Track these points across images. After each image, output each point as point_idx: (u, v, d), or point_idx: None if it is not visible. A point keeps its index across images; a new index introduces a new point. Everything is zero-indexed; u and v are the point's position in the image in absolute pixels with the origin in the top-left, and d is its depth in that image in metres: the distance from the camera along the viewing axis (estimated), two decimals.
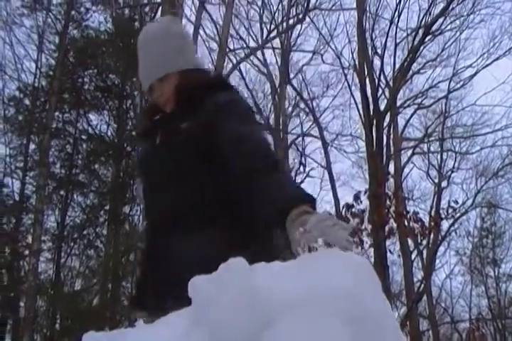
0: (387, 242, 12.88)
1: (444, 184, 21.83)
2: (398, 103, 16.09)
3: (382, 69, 15.23)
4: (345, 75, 16.64)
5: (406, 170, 20.42)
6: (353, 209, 12.44)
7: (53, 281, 16.36)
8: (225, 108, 2.13)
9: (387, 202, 12.57)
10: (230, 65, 14.45)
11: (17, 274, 15.93)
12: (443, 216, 14.91)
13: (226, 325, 1.41)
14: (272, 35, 15.25)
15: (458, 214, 17.46)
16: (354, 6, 15.37)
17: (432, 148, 21.47)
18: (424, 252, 19.86)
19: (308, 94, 18.08)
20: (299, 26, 16.34)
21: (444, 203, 19.59)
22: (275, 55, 17.33)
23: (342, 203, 13.44)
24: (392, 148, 16.14)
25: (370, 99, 14.25)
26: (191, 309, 1.52)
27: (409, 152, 20.06)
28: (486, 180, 22.34)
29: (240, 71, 16.09)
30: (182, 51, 2.34)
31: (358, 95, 15.16)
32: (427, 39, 15.21)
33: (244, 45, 16.15)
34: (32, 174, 17.06)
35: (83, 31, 17.71)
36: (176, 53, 2.31)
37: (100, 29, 17.70)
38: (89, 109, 17.74)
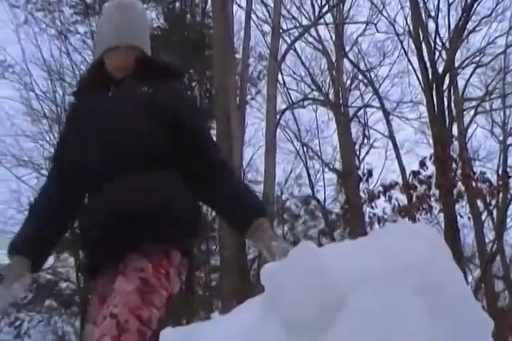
0: (456, 206, 12.60)
1: (509, 141, 21.14)
2: (456, 64, 15.68)
3: (437, 32, 15.06)
4: (401, 42, 16.49)
5: (469, 130, 19.91)
6: (420, 176, 12.45)
7: None
8: (193, 104, 2.64)
9: (453, 165, 12.37)
10: (285, 46, 14.30)
11: None
12: (511, 174, 14.51)
13: (299, 310, 1.43)
14: (323, 10, 15.03)
15: None
16: None
17: (494, 106, 20.80)
18: (494, 212, 19.26)
19: (365, 65, 17.94)
20: None
21: (511, 161, 19.32)
22: (329, 30, 17.14)
23: (408, 171, 13.45)
24: (454, 110, 15.77)
25: (428, 63, 13.99)
26: (265, 296, 1.55)
27: (472, 112, 19.61)
28: None
29: (295, 50, 15.93)
30: (148, 34, 2.80)
31: (415, 60, 15.00)
32: None
33: (297, 24, 16.01)
34: None
35: None
36: (147, 33, 2.75)
37: (153, 25, 17.84)
38: None
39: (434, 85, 13.70)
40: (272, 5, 14.00)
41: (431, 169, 12.47)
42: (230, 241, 11.19)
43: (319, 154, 18.16)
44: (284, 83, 16.17)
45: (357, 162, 16.00)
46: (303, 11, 16.64)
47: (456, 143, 15.76)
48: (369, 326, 1.39)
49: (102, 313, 2.06)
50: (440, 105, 13.61)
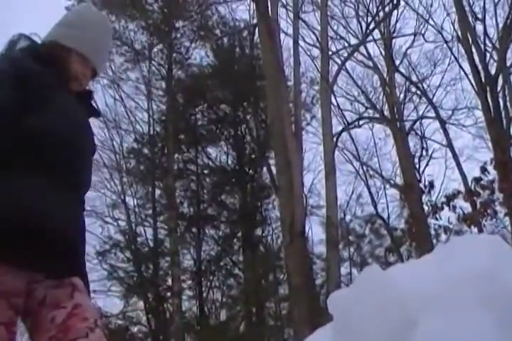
0: None
1: None
2: (508, 63, 15.28)
3: (485, 33, 14.78)
4: (450, 49, 16.27)
5: None
6: (482, 182, 12.41)
7: (198, 317, 16.64)
8: None
9: None
10: (335, 67, 14.29)
11: (163, 317, 16.26)
12: None
13: (370, 333, 1.42)
14: (370, 27, 15.01)
15: None
16: None
17: None
18: None
19: (417, 76, 17.70)
20: (395, 12, 16.14)
21: None
22: (378, 46, 17.10)
23: (470, 178, 13.20)
24: (510, 111, 15.35)
25: (480, 66, 13.70)
26: (334, 324, 1.58)
27: None
28: None
29: (346, 70, 15.92)
30: None
31: (466, 66, 14.73)
32: None
33: (346, 44, 16.04)
34: (162, 218, 17.24)
35: (187, 70, 18.33)
36: None
37: (203, 64, 18.23)
38: (207, 144, 18.19)
39: (488, 88, 13.47)
40: (319, 28, 14.10)
41: (492, 173, 12.40)
42: (298, 269, 11.04)
43: (379, 171, 17.97)
44: (338, 105, 16.19)
45: (417, 175, 15.72)
46: (350, 30, 16.77)
47: None
48: None
49: (81, 325, 1.97)
50: (496, 107, 13.35)
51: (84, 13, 2.48)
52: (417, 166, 16.51)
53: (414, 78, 17.21)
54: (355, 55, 15.51)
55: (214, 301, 17.38)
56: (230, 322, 17.35)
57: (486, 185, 12.35)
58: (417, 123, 17.12)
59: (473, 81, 14.15)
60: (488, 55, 14.54)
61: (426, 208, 13.39)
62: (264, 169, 17.50)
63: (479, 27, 14.88)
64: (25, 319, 1.99)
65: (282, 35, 13.91)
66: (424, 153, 17.07)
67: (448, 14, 16.01)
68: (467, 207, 12.62)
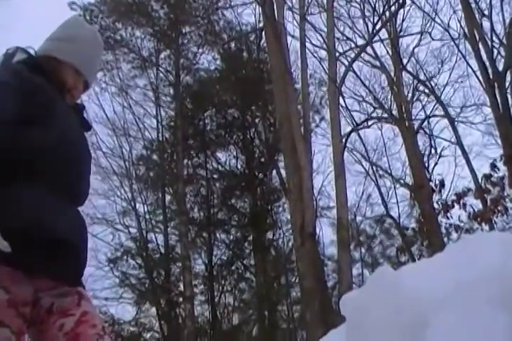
0: None
1: None
2: None
3: (492, 29, 14.69)
4: (457, 46, 16.22)
5: None
6: (492, 179, 12.29)
7: (211, 322, 16.61)
8: None
9: None
10: (343, 68, 14.27)
11: (175, 323, 16.24)
12: None
13: (383, 333, 1.42)
14: (377, 27, 14.98)
15: None
16: None
17: None
18: None
19: (425, 74, 17.67)
20: (401, 11, 16.14)
21: None
22: (384, 46, 17.09)
23: (480, 175, 13.01)
24: None
25: (487, 63, 13.67)
26: (347, 326, 1.57)
27: None
28: None
29: (354, 71, 15.91)
30: None
31: (474, 62, 14.69)
32: None
33: (353, 45, 16.02)
34: (173, 224, 17.27)
35: (195, 75, 18.36)
36: None
37: (210, 68, 18.23)
38: (216, 148, 18.21)
39: (496, 84, 13.44)
40: (325, 29, 14.09)
41: (502, 170, 12.32)
42: (309, 271, 11.01)
43: (389, 171, 17.95)
44: (346, 106, 16.17)
45: (427, 174, 15.65)
46: (356, 30, 16.78)
47: None
48: None
49: (91, 332, 1.99)
50: (504, 103, 13.29)
51: (76, 27, 2.52)
52: (427, 165, 16.49)
53: (421, 76, 17.18)
54: (362, 55, 15.49)
55: (226, 305, 17.35)
56: (242, 326, 17.36)
57: (496, 181, 12.28)
58: (426, 121, 17.12)
59: (481, 78, 14.14)
60: (495, 51, 14.54)
61: (436, 207, 13.32)
62: (274, 172, 17.51)
63: (486, 24, 14.86)
64: (30, 327, 1.99)
65: (289, 38, 13.95)
66: (433, 151, 17.06)
67: (454, 12, 16.00)
68: (478, 205, 12.56)
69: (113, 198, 17.14)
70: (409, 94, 17.44)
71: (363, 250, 19.23)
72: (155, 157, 17.78)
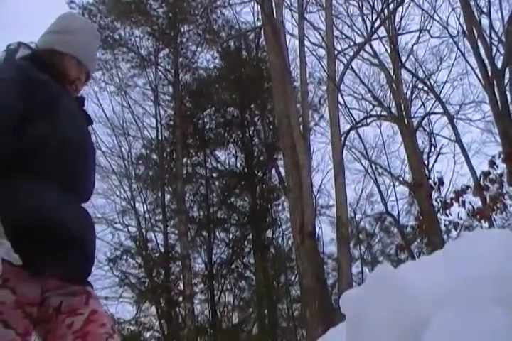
0: None
1: None
2: None
3: (491, 27, 14.69)
4: (456, 44, 16.27)
5: None
6: (491, 176, 12.26)
7: (211, 320, 16.65)
8: None
9: None
10: (342, 67, 14.26)
11: (175, 322, 16.00)
12: None
13: (382, 331, 1.41)
14: (375, 25, 14.96)
15: None
16: None
17: None
18: None
19: (424, 72, 17.67)
20: (400, 9, 16.13)
21: None
22: (383, 44, 17.08)
23: (479, 172, 13.04)
24: None
25: (486, 60, 13.66)
26: (347, 324, 1.55)
27: None
28: None
29: (353, 69, 15.89)
30: None
31: (472, 60, 14.69)
32: None
33: (351, 43, 16.02)
34: (172, 223, 17.27)
35: (194, 74, 18.37)
36: None
37: (210, 67, 18.25)
38: (215, 147, 18.24)
39: (495, 81, 13.44)
40: (324, 28, 14.10)
41: (501, 167, 12.28)
42: (309, 269, 11.01)
43: (388, 169, 17.97)
44: (345, 104, 16.18)
45: (427, 171, 15.66)
46: (355, 28, 16.78)
47: None
48: None
49: (101, 331, 1.99)
50: (503, 100, 13.28)
51: (72, 20, 2.53)
52: (426, 162, 16.50)
53: (420, 74, 17.19)
54: (361, 53, 15.50)
55: (226, 304, 17.36)
56: (242, 324, 17.37)
57: (495, 178, 12.26)
58: (425, 119, 17.13)
59: (480, 75, 14.14)
60: (494, 48, 14.53)
61: (435, 204, 13.33)
62: (273, 171, 17.53)
63: (485, 21, 14.86)
64: (37, 326, 1.98)
65: (288, 37, 13.96)
66: (432, 149, 17.08)
67: (453, 9, 15.99)
68: (477, 202, 12.55)
69: (112, 197, 17.20)
70: (408, 92, 17.47)
71: (362, 248, 19.27)
72: (154, 156, 17.75)
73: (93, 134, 16.36)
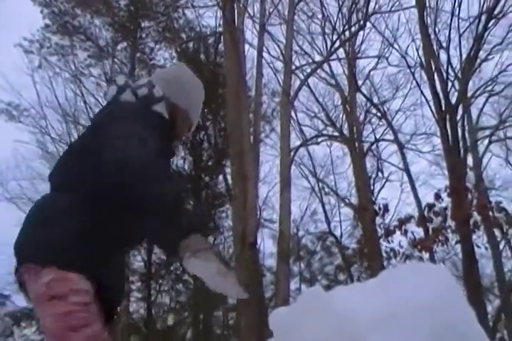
0: (474, 236, 12.54)
1: None
2: (469, 93, 15.57)
3: (449, 62, 14.93)
4: (413, 74, 16.52)
5: (484, 160, 19.56)
6: (435, 208, 12.50)
7: (145, 319, 16.57)
8: None
9: (469, 195, 12.37)
10: (298, 82, 14.36)
11: None
12: None
13: None
14: (335, 45, 15.10)
15: None
16: (413, 3, 15.10)
17: (508, 134, 20.45)
18: None
19: (379, 98, 17.92)
20: (361, 33, 16.28)
21: None
22: (341, 65, 17.25)
23: (424, 203, 13.45)
24: (468, 140, 15.69)
25: (441, 94, 13.96)
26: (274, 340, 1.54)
27: (486, 141, 19.34)
28: None
29: (309, 86, 16.00)
30: None
31: (427, 92, 14.98)
32: (490, 24, 14.64)
33: (310, 60, 16.12)
34: None
35: (150, 71, 18.13)
36: None
37: (166, 66, 18.05)
38: None
39: (448, 116, 13.68)
40: (284, 41, 14.15)
41: (446, 201, 12.50)
42: (246, 279, 11.06)
43: (335, 189, 18.15)
44: (298, 120, 16.28)
45: (372, 196, 15.91)
46: (315, 46, 16.87)
47: (471, 173, 15.72)
48: None
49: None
50: (454, 136, 13.53)
51: (187, 76, 2.54)
52: (373, 187, 16.78)
53: (375, 100, 17.42)
54: (318, 71, 15.62)
55: (162, 305, 17.35)
56: (177, 327, 17.34)
57: (439, 211, 12.45)
58: (375, 144, 17.38)
59: (433, 108, 14.36)
60: (450, 83, 14.75)
61: (379, 230, 13.56)
62: (220, 177, 17.51)
63: (443, 56, 15.05)
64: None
65: (247, 46, 13.98)
66: (380, 174, 17.37)
67: (413, 40, 16.17)
68: (419, 232, 12.75)
69: None
70: (361, 116, 17.73)
71: (302, 265, 19.47)
72: None
73: (43, 119, 16.25)
